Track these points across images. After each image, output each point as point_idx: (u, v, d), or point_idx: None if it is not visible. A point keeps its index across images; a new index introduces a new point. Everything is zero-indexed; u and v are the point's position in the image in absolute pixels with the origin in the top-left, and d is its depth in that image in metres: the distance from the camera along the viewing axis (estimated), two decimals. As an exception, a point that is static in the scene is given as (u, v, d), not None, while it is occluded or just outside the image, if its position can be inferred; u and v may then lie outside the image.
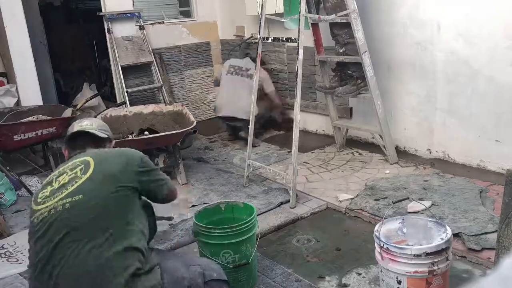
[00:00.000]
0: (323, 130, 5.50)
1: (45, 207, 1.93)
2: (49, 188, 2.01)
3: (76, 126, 2.30)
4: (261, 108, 5.01)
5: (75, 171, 2.03)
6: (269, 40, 4.41)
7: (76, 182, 1.97)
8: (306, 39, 5.35)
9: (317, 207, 3.66)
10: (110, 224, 1.91)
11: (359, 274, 2.76)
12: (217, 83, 5.62)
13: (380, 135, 4.41)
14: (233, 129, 5.43)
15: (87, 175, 1.99)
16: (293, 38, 3.92)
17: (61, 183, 2.00)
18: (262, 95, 5.15)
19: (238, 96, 5.14)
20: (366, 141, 5.02)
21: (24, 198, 4.12)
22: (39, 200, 1.98)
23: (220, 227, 2.59)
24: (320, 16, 4.47)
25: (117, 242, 1.88)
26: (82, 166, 2.04)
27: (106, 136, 2.35)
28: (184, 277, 2.06)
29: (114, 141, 2.47)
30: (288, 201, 3.75)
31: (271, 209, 3.64)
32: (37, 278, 1.87)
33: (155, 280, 1.94)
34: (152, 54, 5.74)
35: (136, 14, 5.73)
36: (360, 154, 4.74)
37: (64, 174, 2.04)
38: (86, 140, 2.26)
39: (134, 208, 2.06)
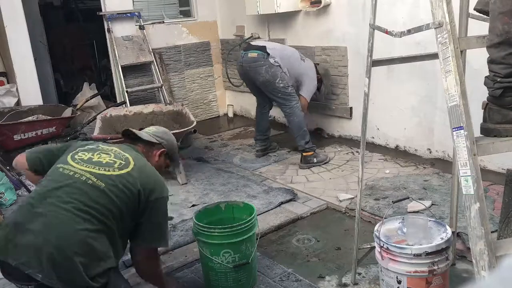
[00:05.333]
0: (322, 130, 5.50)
1: (76, 168, 2.18)
2: (88, 155, 2.26)
3: (137, 130, 2.60)
4: None
5: (114, 160, 2.26)
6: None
7: (108, 170, 2.19)
8: (308, 38, 5.37)
9: (317, 207, 3.66)
10: (109, 225, 2.11)
11: (359, 273, 2.76)
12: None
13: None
14: None
15: (119, 173, 2.20)
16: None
17: (99, 160, 2.24)
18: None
19: None
20: (366, 141, 5.02)
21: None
22: (76, 157, 2.25)
23: (220, 226, 2.60)
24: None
25: (97, 239, 2.05)
26: (123, 163, 2.26)
27: (155, 141, 2.54)
28: None
29: (164, 151, 2.58)
30: (288, 201, 3.75)
31: (271, 209, 3.63)
32: (27, 207, 2.09)
33: None
34: (152, 53, 5.74)
35: (136, 13, 5.73)
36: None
37: (107, 154, 2.29)
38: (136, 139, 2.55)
39: (125, 227, 2.21)
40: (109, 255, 2.09)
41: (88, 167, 2.20)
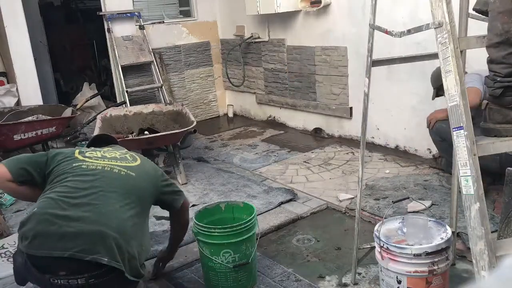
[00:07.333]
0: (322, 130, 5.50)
1: (99, 163, 2.27)
2: (99, 153, 2.37)
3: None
4: None
5: (124, 156, 2.41)
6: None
7: (128, 163, 2.34)
8: (308, 38, 5.37)
9: (317, 207, 3.66)
10: (143, 212, 2.26)
11: (359, 273, 2.76)
12: None
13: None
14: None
15: (137, 163, 2.37)
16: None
17: (112, 155, 2.36)
18: None
19: None
20: (366, 140, 5.02)
21: (24, 198, 4.12)
22: (87, 154, 2.34)
23: (220, 226, 2.59)
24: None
25: (140, 225, 2.20)
26: (131, 155, 2.44)
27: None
28: None
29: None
30: (288, 201, 3.75)
31: (271, 209, 3.63)
32: (67, 200, 2.09)
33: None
34: (152, 53, 5.75)
35: (136, 13, 5.74)
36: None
37: (110, 152, 2.39)
38: (107, 140, 2.77)
39: (147, 215, 2.38)
40: (149, 243, 2.24)
41: (111, 161, 2.29)
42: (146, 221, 2.31)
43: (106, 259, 1.92)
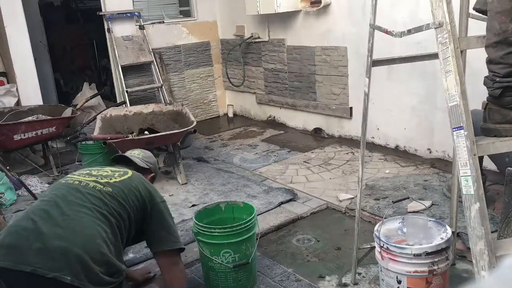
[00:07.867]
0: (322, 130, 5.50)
1: (77, 178, 2.29)
2: (87, 171, 2.40)
3: (126, 152, 2.78)
4: None
5: (113, 173, 2.40)
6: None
7: (111, 179, 2.33)
8: (308, 38, 5.37)
9: (317, 207, 3.66)
10: (120, 228, 2.19)
11: (359, 273, 2.76)
12: None
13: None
14: None
15: (121, 179, 2.35)
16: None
17: (98, 173, 2.37)
18: None
19: None
20: (366, 140, 5.02)
21: (24, 198, 4.12)
22: (75, 173, 2.40)
23: (220, 226, 2.60)
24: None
25: (115, 244, 2.12)
26: (122, 172, 2.42)
27: (147, 167, 2.72)
28: None
29: (154, 175, 2.78)
30: (289, 201, 3.75)
31: (271, 209, 3.63)
32: (39, 211, 2.08)
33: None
34: (152, 53, 5.75)
35: (136, 13, 5.74)
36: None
37: (105, 171, 2.42)
38: (129, 164, 2.66)
39: (129, 235, 2.30)
40: (121, 263, 2.15)
41: (91, 177, 2.29)
42: (122, 240, 2.21)
43: (69, 278, 1.87)
